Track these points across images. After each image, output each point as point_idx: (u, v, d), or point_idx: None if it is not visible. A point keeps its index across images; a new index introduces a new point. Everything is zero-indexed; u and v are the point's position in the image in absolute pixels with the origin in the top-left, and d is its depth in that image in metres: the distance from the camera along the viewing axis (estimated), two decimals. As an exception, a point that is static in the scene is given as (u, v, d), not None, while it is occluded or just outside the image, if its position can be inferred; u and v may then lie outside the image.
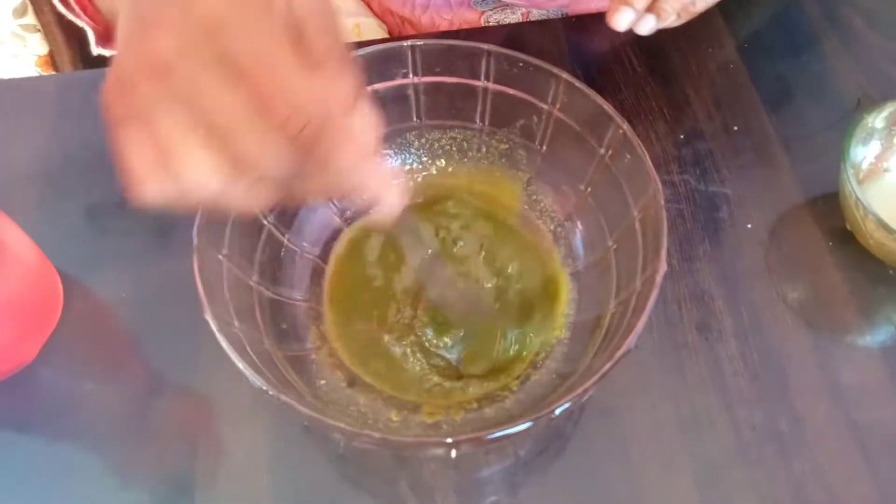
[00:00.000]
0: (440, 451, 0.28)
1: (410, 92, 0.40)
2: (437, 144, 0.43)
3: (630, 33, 0.45)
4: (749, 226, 0.46)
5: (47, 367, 0.41)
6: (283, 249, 0.39)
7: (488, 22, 0.60)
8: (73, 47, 1.18)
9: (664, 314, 0.42)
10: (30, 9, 1.09)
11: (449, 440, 0.28)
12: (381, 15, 0.63)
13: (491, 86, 0.39)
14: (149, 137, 0.23)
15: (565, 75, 0.37)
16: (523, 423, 0.28)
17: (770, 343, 0.42)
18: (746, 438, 0.38)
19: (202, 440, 0.38)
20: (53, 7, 1.21)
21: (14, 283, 0.38)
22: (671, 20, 0.43)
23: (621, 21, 0.41)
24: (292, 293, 0.39)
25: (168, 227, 0.45)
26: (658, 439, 0.38)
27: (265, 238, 0.38)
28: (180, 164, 0.22)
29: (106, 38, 0.48)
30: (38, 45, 1.15)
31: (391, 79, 0.40)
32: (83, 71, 0.54)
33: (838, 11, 0.56)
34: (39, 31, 1.13)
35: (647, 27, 0.42)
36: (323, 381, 0.36)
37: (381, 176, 0.26)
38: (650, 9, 0.41)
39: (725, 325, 0.42)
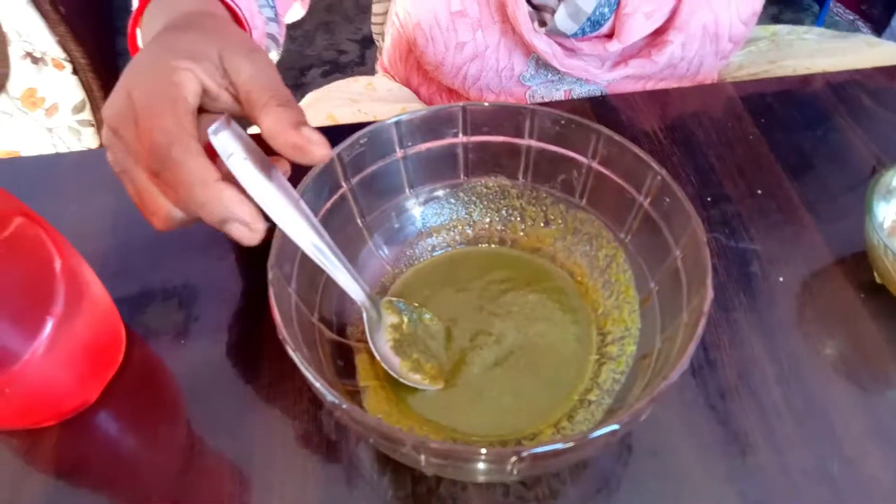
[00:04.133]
0: (491, 466, 0.29)
1: (459, 150, 0.44)
2: (480, 200, 0.47)
3: (655, 111, 0.49)
4: (781, 279, 0.48)
5: (106, 410, 0.43)
6: (341, 293, 0.41)
7: (532, 98, 0.66)
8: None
9: (706, 360, 0.43)
10: (87, 105, 1.18)
11: (491, 452, 0.28)
12: (428, 101, 0.69)
13: (534, 143, 0.43)
14: (132, 187, 0.36)
15: (605, 130, 0.40)
16: (563, 442, 0.28)
17: (812, 390, 0.42)
18: (797, 481, 0.38)
19: (251, 490, 0.39)
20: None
21: (89, 323, 0.41)
22: None
23: None
24: (346, 333, 0.41)
25: (224, 282, 0.48)
26: (708, 481, 0.38)
27: (325, 281, 0.40)
28: (153, 206, 0.35)
29: None
30: (90, 139, 1.24)
31: (442, 138, 0.43)
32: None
33: (846, 91, 0.61)
34: (93, 125, 1.22)
35: None
36: (379, 416, 0.38)
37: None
38: None
39: (767, 372, 0.43)
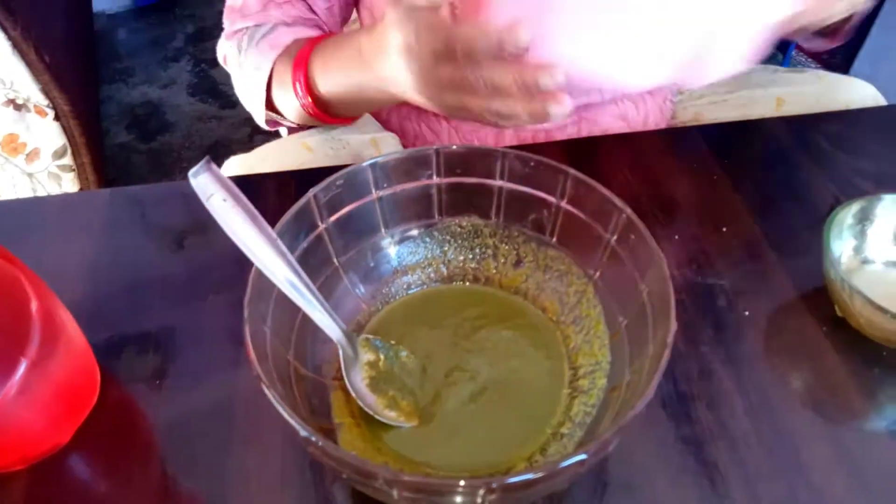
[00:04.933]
0: (463, 498, 0.30)
1: (433, 191, 0.46)
2: (454, 239, 0.48)
3: (622, 152, 0.51)
4: (746, 313, 0.49)
5: (79, 453, 0.42)
6: (317, 330, 0.42)
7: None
8: (101, 187, 1.26)
9: (675, 392, 0.44)
10: (68, 150, 1.19)
11: (464, 482, 0.29)
12: (398, 128, 0.71)
13: (505, 184, 0.45)
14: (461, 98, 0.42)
15: (572, 171, 0.42)
16: (537, 471, 0.29)
17: (780, 421, 0.43)
18: (768, 511, 0.39)
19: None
20: (89, 149, 1.31)
21: (63, 364, 0.41)
22: None
23: None
24: (322, 371, 0.42)
25: (201, 324, 0.48)
26: (681, 513, 0.39)
27: (301, 319, 0.41)
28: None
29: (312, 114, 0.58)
30: (70, 184, 1.24)
31: (417, 179, 0.45)
32: (130, 186, 0.60)
33: (805, 135, 0.64)
34: (74, 170, 1.23)
35: None
36: (353, 453, 0.38)
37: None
38: None
39: (735, 404, 0.44)
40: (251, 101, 0.61)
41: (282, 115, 0.61)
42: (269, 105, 0.60)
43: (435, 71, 0.42)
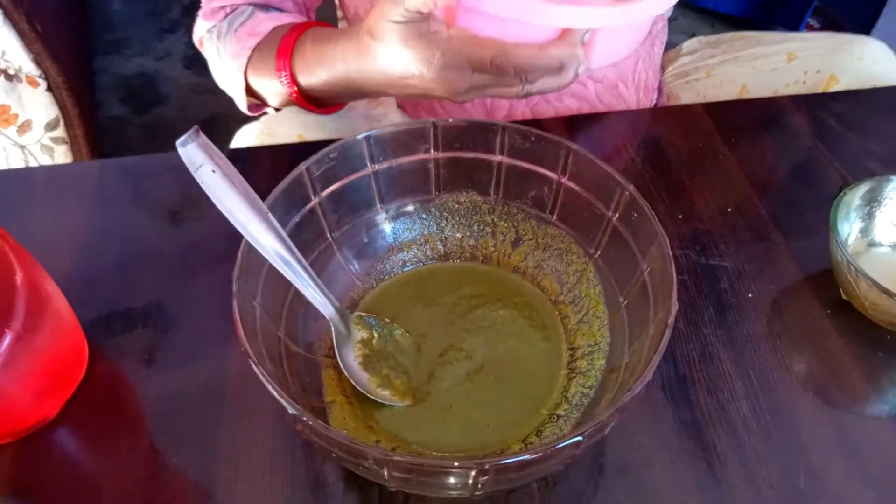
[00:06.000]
0: (455, 479, 0.29)
1: (431, 166, 0.44)
2: (452, 216, 0.47)
3: (627, 130, 0.50)
4: (750, 295, 0.48)
5: (66, 427, 0.41)
6: (308, 307, 0.41)
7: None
8: (94, 158, 1.25)
9: (675, 374, 0.43)
10: (61, 122, 1.17)
11: (457, 464, 0.28)
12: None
13: (505, 159, 0.43)
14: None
15: (574, 146, 0.40)
16: (531, 453, 0.28)
17: (780, 405, 0.42)
18: (765, 494, 0.38)
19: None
20: (82, 121, 1.29)
21: (50, 338, 0.40)
22: None
23: None
24: (313, 348, 0.41)
25: (192, 299, 0.47)
26: (677, 496, 0.38)
27: (292, 295, 0.40)
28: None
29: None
30: (63, 156, 1.22)
31: (414, 153, 0.44)
32: (121, 158, 0.58)
33: (813, 114, 0.62)
34: (67, 143, 1.21)
35: None
36: (344, 432, 0.37)
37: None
38: None
39: (736, 387, 0.43)
40: (231, 88, 0.59)
41: (263, 101, 0.60)
42: (249, 91, 0.59)
43: (460, 82, 0.44)
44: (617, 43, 0.56)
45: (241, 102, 0.60)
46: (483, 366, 0.41)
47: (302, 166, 0.39)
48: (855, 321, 0.46)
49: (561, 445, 0.28)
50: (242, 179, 0.35)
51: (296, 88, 0.53)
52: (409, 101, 0.68)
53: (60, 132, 1.18)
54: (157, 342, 0.45)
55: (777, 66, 0.68)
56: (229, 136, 0.67)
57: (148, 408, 0.42)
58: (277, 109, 0.63)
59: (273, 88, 0.55)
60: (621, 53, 0.62)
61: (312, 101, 0.55)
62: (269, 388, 0.30)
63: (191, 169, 0.34)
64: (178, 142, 0.34)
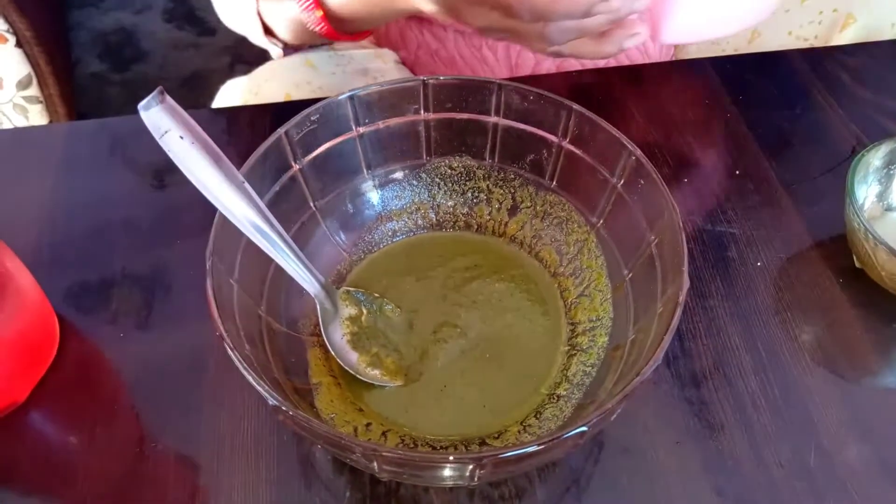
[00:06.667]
0: (450, 472, 0.27)
1: (421, 128, 0.41)
2: (444, 182, 0.44)
3: (630, 87, 0.46)
4: (759, 264, 0.46)
5: (38, 410, 0.39)
6: (291, 282, 0.38)
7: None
8: (72, 119, 1.20)
9: (681, 349, 0.41)
10: (34, 80, 1.12)
11: (452, 458, 0.26)
12: (399, 37, 0.65)
13: (501, 121, 0.40)
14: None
15: (576, 106, 0.37)
16: (531, 445, 0.26)
17: (790, 380, 0.41)
18: (774, 474, 0.37)
19: (199, 494, 0.36)
20: (56, 79, 1.23)
21: (13, 317, 0.37)
22: None
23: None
24: (298, 326, 0.38)
25: (169, 273, 0.44)
26: (682, 476, 0.37)
27: (273, 270, 0.37)
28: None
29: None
30: (38, 117, 1.17)
31: (402, 115, 0.40)
32: (89, 121, 0.55)
33: (825, 68, 0.59)
34: (41, 102, 1.16)
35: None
36: (332, 415, 0.35)
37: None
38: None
39: (744, 361, 0.41)
40: (240, 16, 0.54)
41: (273, 35, 0.55)
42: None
43: (480, 17, 0.40)
44: (709, 14, 0.44)
45: (255, 31, 0.55)
46: (478, 343, 0.39)
47: (280, 130, 0.36)
48: (868, 291, 0.44)
49: (565, 436, 0.26)
50: (214, 146, 0.32)
51: (321, 14, 0.49)
52: (416, 59, 0.64)
53: (34, 91, 1.13)
54: (132, 318, 0.42)
55: (790, 7, 0.64)
56: (212, 94, 0.63)
57: (124, 388, 0.40)
58: (286, 48, 0.58)
59: (287, 14, 0.50)
60: (719, 29, 0.49)
61: (337, 23, 0.51)
62: (248, 376, 0.28)
63: (156, 135, 0.31)
64: (141, 105, 0.31)
